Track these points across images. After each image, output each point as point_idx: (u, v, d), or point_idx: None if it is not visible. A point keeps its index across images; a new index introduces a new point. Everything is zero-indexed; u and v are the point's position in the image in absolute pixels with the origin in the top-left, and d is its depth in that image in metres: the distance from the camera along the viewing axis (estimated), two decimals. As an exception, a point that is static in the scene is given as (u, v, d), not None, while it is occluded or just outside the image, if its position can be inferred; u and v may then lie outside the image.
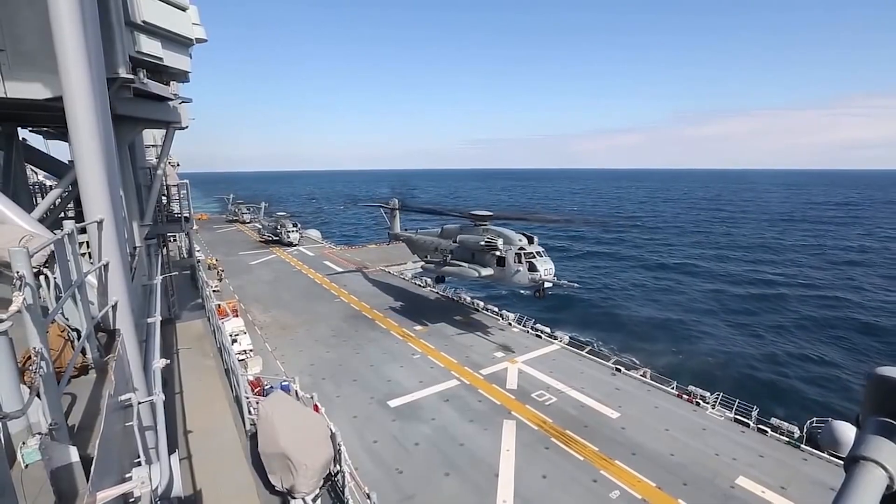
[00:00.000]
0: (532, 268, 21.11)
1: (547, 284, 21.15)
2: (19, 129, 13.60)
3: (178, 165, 54.67)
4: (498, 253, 22.02)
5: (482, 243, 22.52)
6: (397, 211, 32.27)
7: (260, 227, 57.16)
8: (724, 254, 72.88)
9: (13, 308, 2.70)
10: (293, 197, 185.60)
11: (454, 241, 24.59)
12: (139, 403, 5.13)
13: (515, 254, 21.50)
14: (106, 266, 5.90)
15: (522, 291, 24.09)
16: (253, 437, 12.52)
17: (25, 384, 2.83)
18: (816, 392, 30.49)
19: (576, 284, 22.52)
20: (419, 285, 35.50)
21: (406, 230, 31.80)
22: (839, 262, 67.03)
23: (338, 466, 11.45)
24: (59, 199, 11.02)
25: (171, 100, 13.22)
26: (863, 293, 51.48)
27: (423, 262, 27.77)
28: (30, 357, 3.10)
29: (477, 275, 22.84)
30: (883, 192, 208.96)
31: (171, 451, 5.90)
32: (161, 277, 13.77)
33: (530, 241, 22.66)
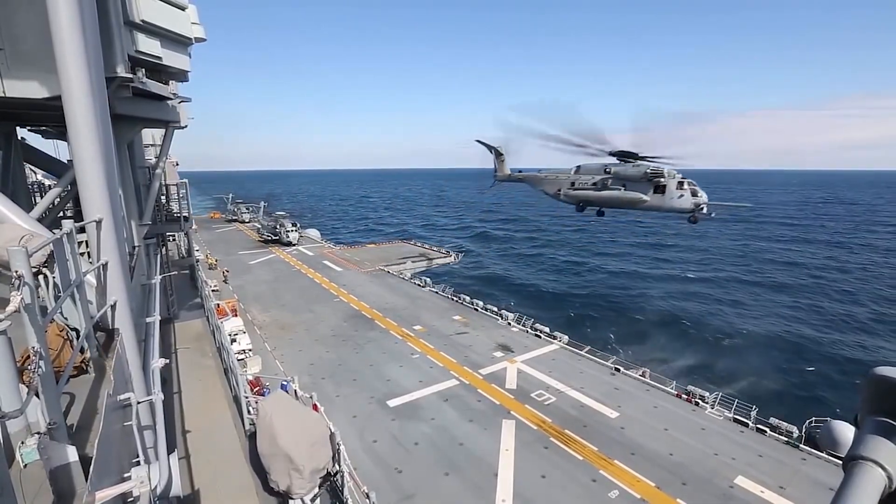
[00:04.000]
0: (695, 193, 24.29)
1: (704, 209, 24.27)
2: (18, 128, 13.58)
3: (177, 164, 54.61)
4: (662, 181, 24.94)
5: (647, 171, 25.37)
6: (504, 156, 34.05)
7: (259, 226, 57.10)
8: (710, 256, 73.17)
9: (11, 308, 2.69)
10: (287, 196, 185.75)
11: (606, 172, 27.59)
12: (138, 403, 5.12)
13: (678, 182, 24.56)
14: (105, 265, 5.89)
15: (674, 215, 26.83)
16: (252, 437, 12.50)
17: (24, 383, 2.83)
18: (815, 392, 30.54)
19: (747, 204, 27.19)
20: (419, 285, 35.52)
21: (520, 171, 33.26)
22: (838, 259, 67.23)
23: (337, 466, 11.44)
24: (58, 199, 11.00)
25: (171, 99, 13.17)
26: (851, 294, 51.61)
27: (563, 192, 30.20)
28: (29, 356, 3.09)
29: (637, 198, 25.78)
30: (854, 193, 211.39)
31: (169, 451, 5.91)
32: (160, 277, 13.76)
33: None
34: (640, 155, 26.16)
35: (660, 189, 25.11)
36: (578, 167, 29.86)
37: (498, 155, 34.26)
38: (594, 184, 28.15)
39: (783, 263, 65.80)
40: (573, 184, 29.57)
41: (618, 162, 27.26)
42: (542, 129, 27.67)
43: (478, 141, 34.61)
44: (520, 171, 33.49)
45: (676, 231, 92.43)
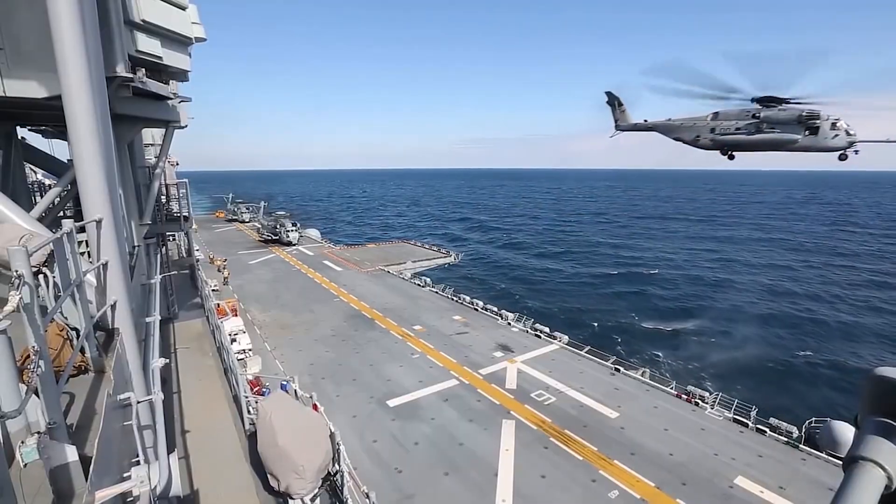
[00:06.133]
0: (848, 132, 24.83)
1: (855, 146, 24.78)
2: (18, 127, 13.57)
3: (177, 164, 54.59)
4: (816, 123, 25.49)
5: (801, 114, 25.93)
6: (625, 106, 33.92)
7: (259, 226, 57.12)
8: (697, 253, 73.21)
9: (10, 307, 2.69)
10: (285, 196, 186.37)
11: (755, 118, 28.08)
12: (138, 403, 5.12)
13: (832, 123, 25.19)
14: (105, 265, 5.89)
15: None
16: (252, 437, 12.51)
17: (24, 383, 2.83)
18: (815, 392, 30.55)
19: None
20: (419, 285, 35.53)
21: (646, 120, 33.01)
22: (833, 259, 67.24)
23: (337, 466, 11.44)
24: (58, 198, 11.00)
25: (171, 99, 13.17)
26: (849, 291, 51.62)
27: (703, 138, 30.26)
28: (29, 356, 3.09)
29: (790, 139, 26.49)
30: (834, 192, 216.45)
31: (169, 451, 5.92)
32: (160, 277, 13.76)
33: None
34: (784, 98, 26.55)
35: (812, 130, 25.78)
36: (716, 114, 30.25)
37: (619, 105, 34.33)
38: (738, 129, 28.76)
39: (768, 265, 65.80)
40: (713, 129, 30.08)
41: (760, 107, 27.85)
42: (686, 88, 27.82)
43: (607, 92, 34.84)
44: (645, 121, 33.46)
45: (651, 232, 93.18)
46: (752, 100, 27.41)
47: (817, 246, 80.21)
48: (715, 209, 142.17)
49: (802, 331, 40.92)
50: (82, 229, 5.76)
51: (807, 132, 25.80)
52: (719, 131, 29.53)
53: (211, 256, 41.45)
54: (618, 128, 34.14)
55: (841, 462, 1.14)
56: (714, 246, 79.72)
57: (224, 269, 35.42)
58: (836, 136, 24.95)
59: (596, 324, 42.23)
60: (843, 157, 25.43)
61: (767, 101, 27.09)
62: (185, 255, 34.07)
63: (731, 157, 29.83)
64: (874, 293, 51.99)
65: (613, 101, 34.18)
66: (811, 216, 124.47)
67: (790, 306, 47.37)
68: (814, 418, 16.81)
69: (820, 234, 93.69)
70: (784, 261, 68.00)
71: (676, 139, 31.34)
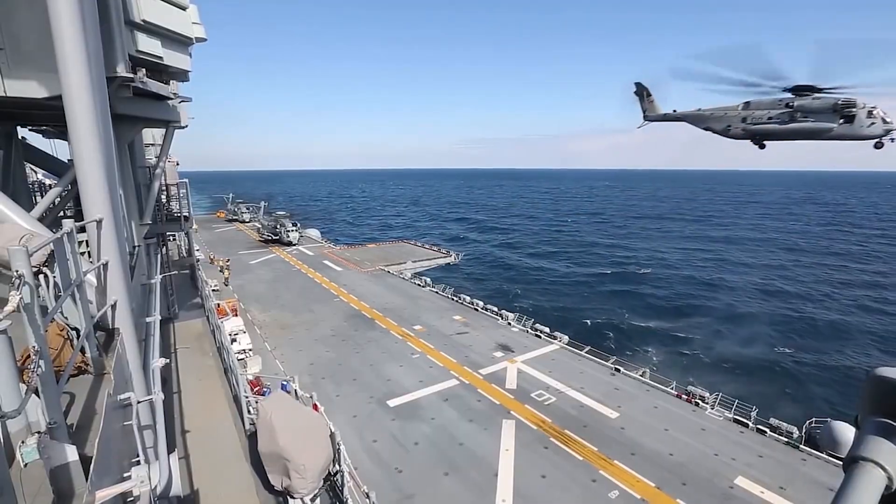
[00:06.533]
0: (885, 120, 24.49)
1: (893, 134, 24.49)
2: (18, 127, 13.58)
3: (177, 164, 54.57)
4: (852, 111, 25.11)
5: (837, 102, 25.56)
6: (653, 97, 33.58)
7: (259, 226, 57.13)
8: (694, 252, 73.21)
9: (10, 307, 2.69)
10: (285, 196, 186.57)
11: (788, 107, 27.64)
12: (138, 403, 5.13)
13: (868, 111, 24.90)
14: (105, 265, 5.89)
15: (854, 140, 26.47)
16: (252, 437, 12.51)
17: (24, 383, 2.83)
18: (815, 392, 30.55)
19: None
20: (419, 285, 35.54)
21: (675, 110, 32.49)
22: (831, 259, 67.23)
23: (337, 466, 11.45)
24: (59, 198, 10.97)
25: (171, 99, 13.17)
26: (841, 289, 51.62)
27: (734, 127, 29.76)
28: (29, 356, 3.09)
29: (825, 128, 26.04)
30: (831, 192, 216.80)
31: (169, 451, 5.93)
32: (160, 277, 13.77)
33: None
34: (819, 87, 26.21)
35: (848, 119, 25.49)
36: (748, 103, 29.72)
37: (647, 96, 33.97)
38: (770, 118, 28.42)
39: (764, 265, 65.76)
40: (745, 119, 29.60)
41: (794, 96, 27.55)
42: (720, 73, 27.07)
43: (636, 83, 34.57)
44: (675, 111, 32.93)
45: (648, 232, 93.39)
46: (785, 89, 27.16)
47: (812, 245, 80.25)
48: (712, 209, 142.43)
49: (800, 331, 40.91)
50: (82, 229, 5.76)
51: (842, 121, 25.46)
52: (751, 121, 29.17)
53: (211, 256, 41.42)
54: (646, 118, 33.88)
55: (841, 462, 1.14)
56: (709, 245, 79.77)
57: (226, 269, 35.43)
58: (873, 124, 24.66)
59: (588, 321, 42.33)
60: (879, 146, 25.19)
61: (801, 90, 26.79)
62: (185, 255, 34.07)
63: (763, 147, 29.48)
64: (870, 292, 52.04)
65: (642, 92, 33.86)
66: (808, 216, 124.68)
67: (787, 306, 47.35)
68: (814, 418, 16.80)
69: (816, 233, 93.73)
70: (780, 260, 68.04)
71: (706, 129, 30.85)
